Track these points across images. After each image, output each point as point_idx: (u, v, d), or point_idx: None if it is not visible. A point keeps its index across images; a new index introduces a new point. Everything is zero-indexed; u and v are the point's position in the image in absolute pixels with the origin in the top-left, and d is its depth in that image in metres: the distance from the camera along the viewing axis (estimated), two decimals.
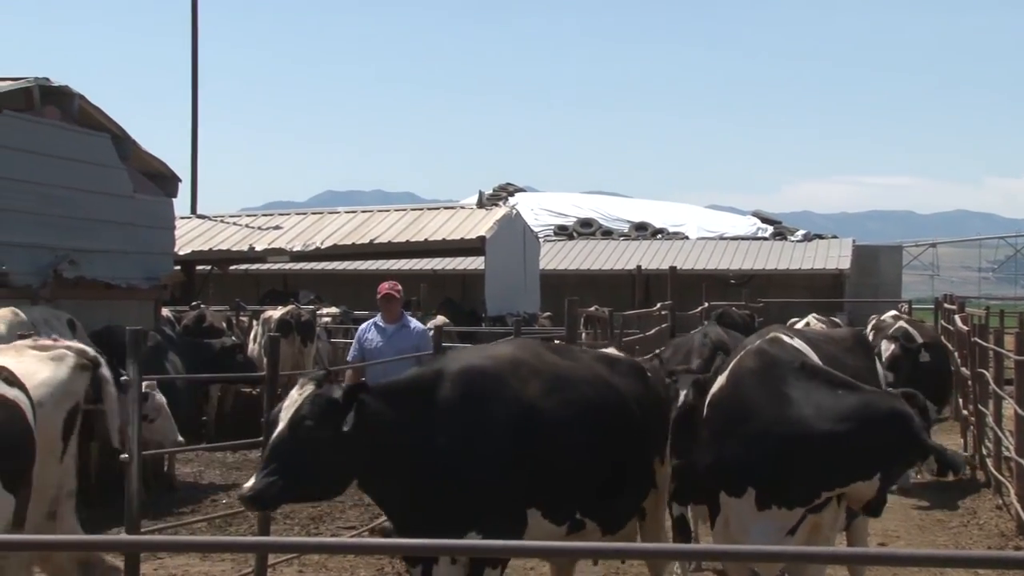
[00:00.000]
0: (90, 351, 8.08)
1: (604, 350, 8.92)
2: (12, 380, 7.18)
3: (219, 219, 28.35)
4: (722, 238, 37.55)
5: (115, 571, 7.66)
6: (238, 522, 11.64)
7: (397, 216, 26.88)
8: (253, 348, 18.39)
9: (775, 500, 7.05)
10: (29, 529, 6.91)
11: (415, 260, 32.89)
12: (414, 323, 11.87)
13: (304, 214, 28.39)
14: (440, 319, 18.80)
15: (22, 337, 8.58)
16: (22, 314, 11.50)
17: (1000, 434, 13.53)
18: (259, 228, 27.14)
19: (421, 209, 27.79)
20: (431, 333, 12.03)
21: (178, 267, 20.31)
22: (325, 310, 22.40)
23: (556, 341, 14.82)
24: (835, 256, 34.53)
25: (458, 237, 24.84)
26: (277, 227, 27.05)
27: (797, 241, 36.84)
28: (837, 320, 18.42)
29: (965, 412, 17.18)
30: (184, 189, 19.52)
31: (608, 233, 39.00)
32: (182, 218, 24.63)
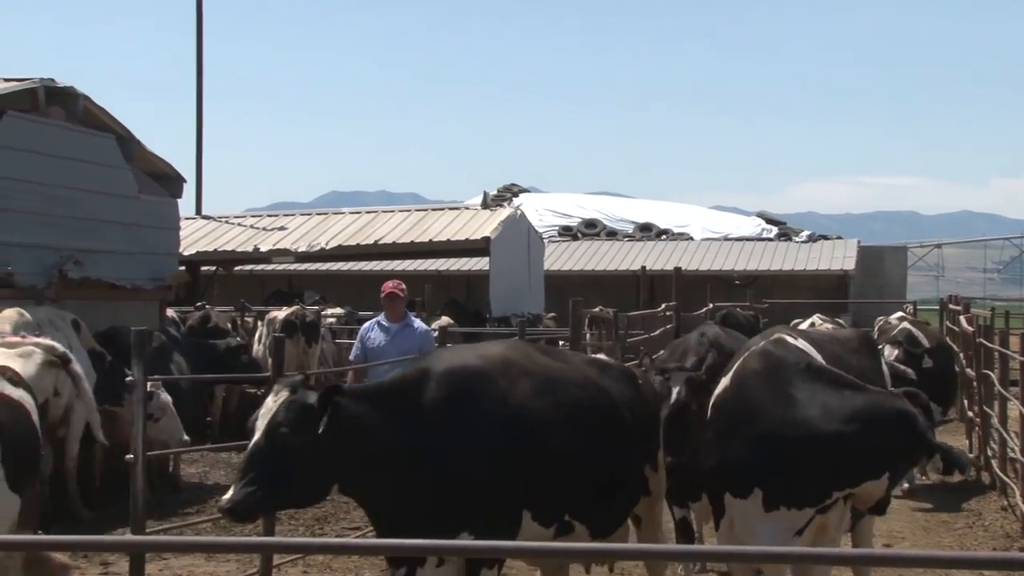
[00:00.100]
0: (59, 347, 8.09)
1: (595, 355, 8.93)
2: (17, 380, 7.18)
3: (224, 220, 28.36)
4: (726, 239, 37.52)
5: (64, 570, 7.53)
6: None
7: (401, 217, 26.89)
8: (258, 349, 18.40)
9: (784, 501, 7.04)
10: None
11: (419, 261, 32.90)
12: (417, 323, 11.82)
13: (309, 215, 28.40)
14: (445, 320, 18.80)
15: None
16: (27, 315, 11.51)
17: (1005, 435, 13.51)
18: (264, 229, 27.15)
19: (425, 210, 27.80)
20: (435, 333, 12.01)
21: (183, 268, 20.30)
22: (330, 311, 22.40)
23: (560, 342, 14.81)
24: (840, 257, 34.50)
25: (462, 238, 24.84)
26: (282, 228, 27.06)
27: (802, 242, 36.80)
28: (841, 322, 18.40)
29: (970, 414, 17.15)
30: (189, 190, 19.56)
31: (612, 234, 38.97)
32: (187, 219, 24.63)
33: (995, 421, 14.19)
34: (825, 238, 37.61)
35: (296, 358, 17.79)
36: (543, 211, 39.68)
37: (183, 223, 19.04)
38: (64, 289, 14.05)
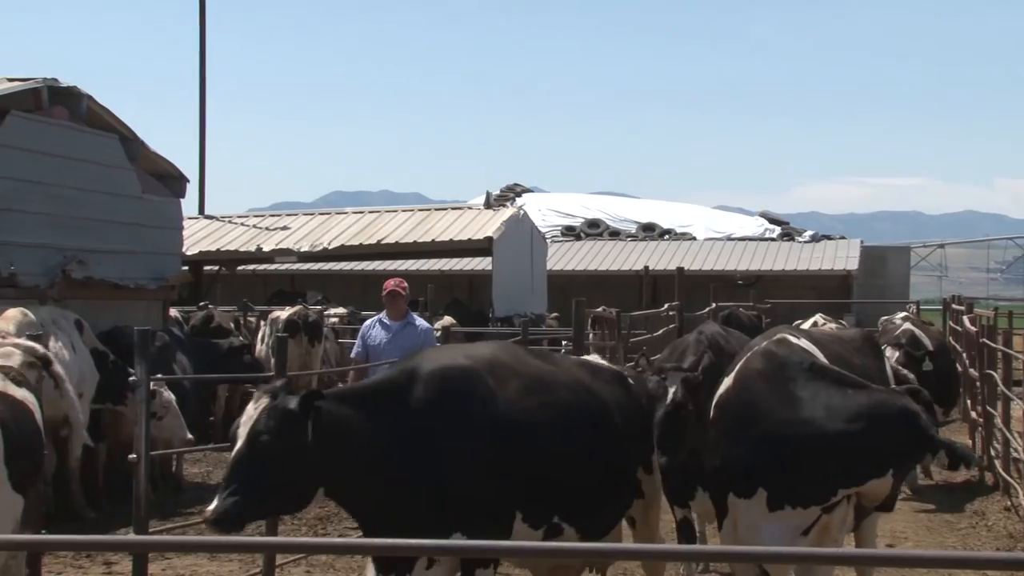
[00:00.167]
0: (39, 348, 8.06)
1: (586, 358, 8.91)
2: (20, 380, 7.18)
3: (227, 220, 28.39)
4: (730, 239, 37.53)
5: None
6: None
7: (404, 217, 26.90)
8: (261, 348, 18.41)
9: (789, 501, 7.03)
10: None
11: (422, 260, 32.93)
12: (419, 321, 11.76)
13: (311, 214, 28.42)
14: (447, 320, 18.81)
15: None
16: (31, 314, 11.52)
17: (1009, 436, 13.51)
18: (267, 228, 27.17)
19: (428, 210, 27.81)
20: (437, 333, 11.98)
21: (186, 267, 20.32)
22: (332, 310, 22.42)
23: (564, 342, 14.81)
24: (843, 257, 34.51)
25: (465, 238, 24.85)
26: (285, 227, 27.08)
27: (805, 242, 36.81)
28: (844, 322, 18.38)
29: (973, 414, 17.13)
30: (192, 190, 19.50)
31: (615, 234, 38.99)
32: (190, 218, 24.65)
33: (998, 421, 14.18)
34: (828, 238, 37.62)
35: (299, 358, 17.81)
36: (546, 211, 39.70)
37: (186, 223, 19.04)
38: (67, 289, 14.05)
